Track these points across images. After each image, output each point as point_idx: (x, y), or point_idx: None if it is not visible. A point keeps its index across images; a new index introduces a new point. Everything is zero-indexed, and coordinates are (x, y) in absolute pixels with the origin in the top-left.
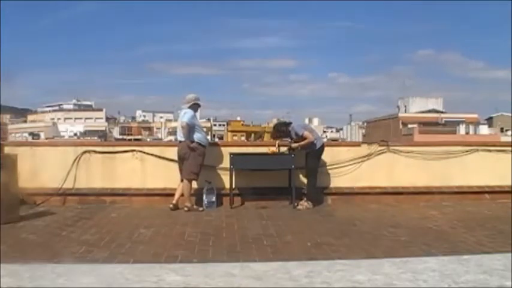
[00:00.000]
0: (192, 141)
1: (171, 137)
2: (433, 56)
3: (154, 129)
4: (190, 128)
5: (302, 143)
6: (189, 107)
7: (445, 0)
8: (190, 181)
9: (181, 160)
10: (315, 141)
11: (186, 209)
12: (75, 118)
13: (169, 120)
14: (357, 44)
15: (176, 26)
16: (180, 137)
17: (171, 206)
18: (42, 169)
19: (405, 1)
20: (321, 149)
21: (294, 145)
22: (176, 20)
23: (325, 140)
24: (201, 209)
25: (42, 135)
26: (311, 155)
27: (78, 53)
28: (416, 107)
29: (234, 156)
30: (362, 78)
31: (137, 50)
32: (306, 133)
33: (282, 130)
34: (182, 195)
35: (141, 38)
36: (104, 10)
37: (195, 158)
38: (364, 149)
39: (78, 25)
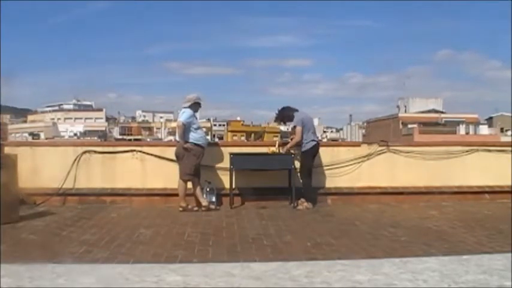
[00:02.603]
0: (186, 142)
1: (171, 137)
2: (451, 56)
3: (154, 129)
4: (185, 128)
5: (289, 145)
6: (189, 107)
7: (465, 1)
8: (184, 181)
9: (178, 160)
10: (306, 141)
11: (180, 209)
12: (75, 118)
13: (169, 120)
14: (374, 43)
15: (189, 24)
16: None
17: (180, 209)
18: (42, 169)
19: (426, 1)
20: (314, 149)
21: (283, 149)
22: (189, 19)
23: (325, 140)
24: (196, 208)
25: (42, 135)
26: (304, 154)
27: (90, 52)
28: (416, 107)
29: (234, 156)
30: (375, 78)
31: (149, 49)
32: (298, 128)
33: (287, 115)
34: (177, 195)
35: (154, 37)
36: (116, 9)
37: (190, 158)
38: (364, 149)
39: (90, 24)
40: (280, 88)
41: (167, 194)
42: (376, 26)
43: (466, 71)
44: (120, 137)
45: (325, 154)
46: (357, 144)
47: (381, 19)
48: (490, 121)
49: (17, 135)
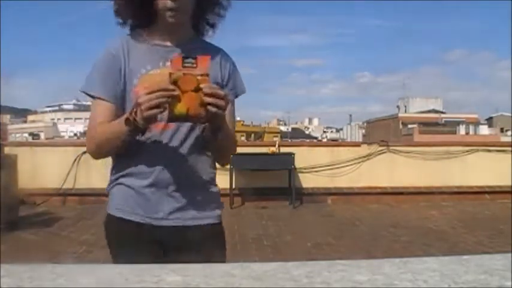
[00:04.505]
0: None
1: None
2: (462, 56)
3: None
4: None
5: None
6: None
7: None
8: None
9: None
10: None
11: None
12: (75, 118)
13: None
14: (384, 42)
15: None
16: None
17: None
18: (42, 169)
19: (438, 0)
20: None
21: None
22: None
23: (325, 140)
24: None
25: (42, 135)
26: None
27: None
28: (416, 107)
29: (234, 156)
30: (385, 77)
31: None
32: None
33: None
34: None
35: None
36: None
37: None
38: (364, 149)
39: (100, 22)
40: (288, 88)
41: None
42: (386, 25)
43: (477, 71)
44: None
45: (325, 154)
46: (357, 144)
47: (392, 18)
48: (490, 121)
49: (17, 135)
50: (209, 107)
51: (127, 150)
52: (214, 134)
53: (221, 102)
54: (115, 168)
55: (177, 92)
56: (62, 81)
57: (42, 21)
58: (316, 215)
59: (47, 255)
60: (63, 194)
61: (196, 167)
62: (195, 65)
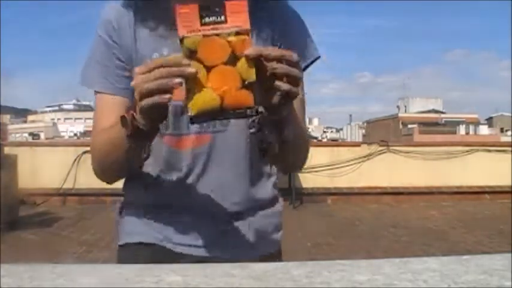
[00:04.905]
0: None
1: None
2: (464, 56)
3: None
4: None
5: None
6: None
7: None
8: None
9: None
10: None
11: None
12: (75, 118)
13: None
14: (386, 42)
15: None
16: None
17: None
18: (42, 169)
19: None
20: None
21: None
22: None
23: (325, 140)
24: None
25: (42, 135)
26: None
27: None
28: (416, 107)
29: None
30: (385, 78)
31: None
32: None
33: None
34: None
35: None
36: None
37: None
38: (364, 149)
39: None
40: None
41: None
42: (386, 25)
43: (477, 71)
44: None
45: (325, 154)
46: (356, 144)
47: (392, 18)
48: (490, 121)
49: (17, 135)
50: (278, 84)
51: (141, 176)
52: (280, 130)
53: (294, 72)
54: (124, 201)
55: (193, 69)
56: (62, 81)
57: (42, 21)
58: (316, 215)
59: (47, 255)
60: (63, 194)
61: (249, 191)
62: (222, 18)
